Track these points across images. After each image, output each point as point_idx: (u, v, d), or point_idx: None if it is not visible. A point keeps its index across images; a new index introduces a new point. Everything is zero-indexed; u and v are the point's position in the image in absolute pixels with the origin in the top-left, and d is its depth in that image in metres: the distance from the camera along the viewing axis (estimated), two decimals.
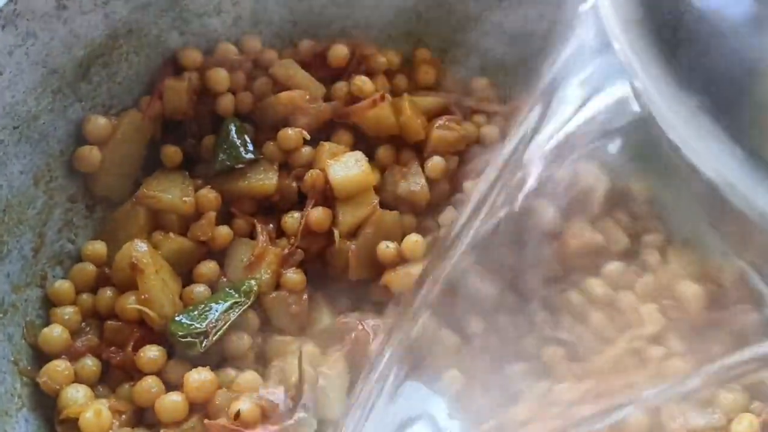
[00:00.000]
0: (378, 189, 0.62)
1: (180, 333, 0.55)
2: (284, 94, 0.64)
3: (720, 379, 0.36)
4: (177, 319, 0.56)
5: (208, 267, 0.60)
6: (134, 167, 0.63)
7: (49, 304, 0.58)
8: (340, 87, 0.66)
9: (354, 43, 0.68)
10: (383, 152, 0.65)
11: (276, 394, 0.53)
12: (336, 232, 0.60)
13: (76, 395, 0.53)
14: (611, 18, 0.32)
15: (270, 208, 0.63)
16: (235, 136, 0.63)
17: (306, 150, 0.63)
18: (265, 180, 0.62)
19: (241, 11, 0.67)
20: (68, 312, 0.57)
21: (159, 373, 0.55)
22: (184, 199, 0.61)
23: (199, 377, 0.53)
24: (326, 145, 0.63)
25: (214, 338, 0.56)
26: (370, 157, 0.63)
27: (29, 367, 0.55)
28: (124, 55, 0.63)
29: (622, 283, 0.58)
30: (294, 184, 0.62)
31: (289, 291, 0.59)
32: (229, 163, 0.62)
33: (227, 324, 0.56)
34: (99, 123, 0.61)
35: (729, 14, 0.31)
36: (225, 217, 0.62)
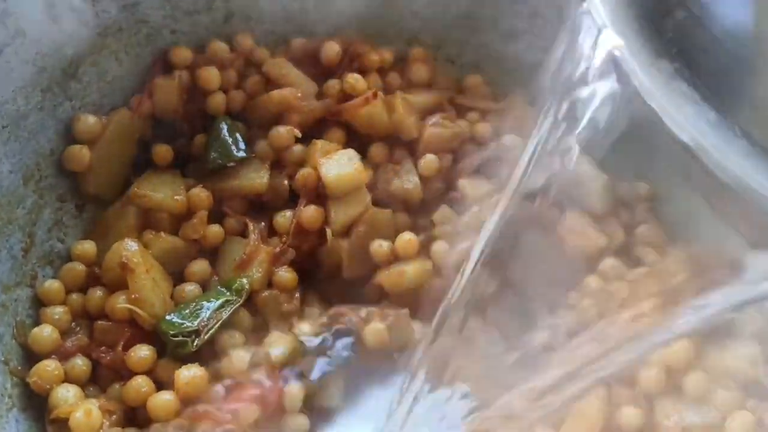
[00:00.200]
0: (371, 187, 0.62)
1: (171, 332, 0.55)
2: (276, 92, 0.64)
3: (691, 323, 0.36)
4: (168, 318, 0.56)
5: (200, 266, 0.60)
6: (124, 166, 0.63)
7: (39, 303, 0.58)
8: (333, 85, 0.65)
9: (346, 40, 0.67)
10: (376, 150, 0.64)
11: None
12: (328, 231, 0.60)
13: (67, 395, 0.53)
14: None
15: (262, 207, 0.63)
16: (226, 134, 0.63)
17: (298, 148, 0.63)
18: (257, 178, 0.62)
19: (233, 9, 0.67)
20: (58, 312, 0.57)
21: (149, 373, 0.55)
22: (175, 198, 0.61)
23: (189, 373, 0.53)
24: (318, 143, 0.62)
25: (205, 337, 0.55)
26: (363, 155, 0.63)
27: (19, 367, 0.55)
28: (114, 53, 0.62)
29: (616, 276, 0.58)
30: (286, 183, 0.62)
31: (281, 290, 0.59)
32: (220, 162, 0.62)
33: (219, 322, 0.56)
34: (89, 122, 0.61)
35: None
36: (216, 215, 0.62)
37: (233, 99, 0.64)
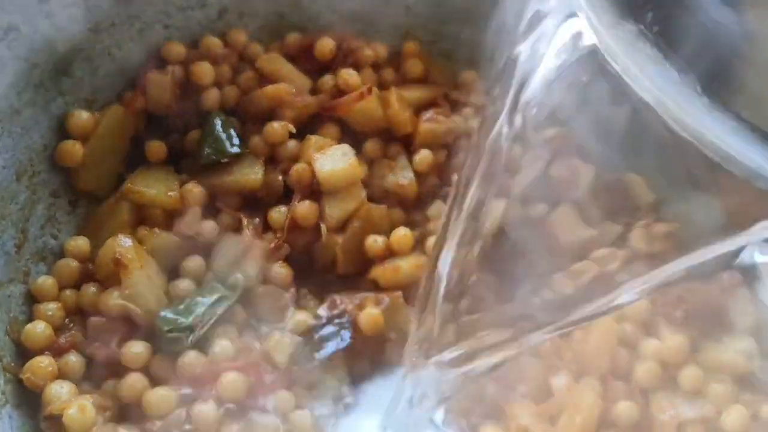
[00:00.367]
0: (365, 183, 0.62)
1: (166, 328, 0.55)
2: (270, 88, 0.63)
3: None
4: (163, 314, 0.55)
5: (194, 262, 0.59)
6: (118, 162, 0.62)
7: (32, 300, 0.58)
8: (327, 80, 0.65)
9: (341, 36, 0.67)
10: (370, 146, 0.64)
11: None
12: (323, 226, 0.60)
13: (60, 391, 0.53)
14: None
15: (256, 203, 0.62)
16: (220, 130, 0.63)
17: (292, 144, 0.63)
18: (251, 174, 0.62)
19: (226, 4, 0.66)
20: (51, 308, 0.57)
21: (144, 369, 0.55)
22: (169, 193, 0.60)
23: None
24: (313, 139, 0.62)
25: (200, 333, 0.55)
26: (358, 150, 0.62)
27: (13, 364, 0.55)
28: (106, 49, 0.62)
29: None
30: (280, 178, 0.62)
31: (276, 285, 0.59)
32: (214, 158, 0.62)
33: (214, 318, 0.56)
34: (82, 117, 0.60)
35: None
36: (211, 211, 0.62)
37: (227, 94, 0.64)
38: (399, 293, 0.58)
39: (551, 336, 0.43)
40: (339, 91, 0.65)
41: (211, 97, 0.64)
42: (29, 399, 0.54)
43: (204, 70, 0.63)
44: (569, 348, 0.56)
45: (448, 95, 0.68)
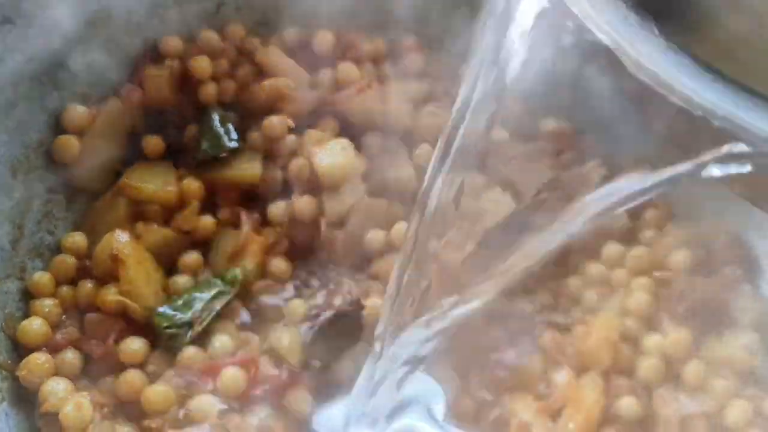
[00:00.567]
0: (365, 177, 0.61)
1: (164, 324, 0.55)
2: (269, 82, 0.63)
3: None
4: (161, 310, 0.55)
5: (192, 257, 0.59)
6: (114, 157, 0.62)
7: (28, 296, 0.57)
8: (326, 74, 0.65)
9: (340, 30, 0.67)
10: (370, 140, 0.64)
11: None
12: (322, 221, 0.59)
13: (57, 388, 0.53)
14: None
15: (255, 198, 0.62)
16: (218, 124, 0.62)
17: (291, 138, 0.62)
18: (250, 169, 0.61)
19: None
20: (48, 304, 0.56)
21: (142, 366, 0.55)
22: (166, 189, 0.60)
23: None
24: (312, 133, 0.62)
25: (199, 328, 0.55)
26: (357, 144, 0.62)
27: (9, 361, 0.54)
28: (103, 42, 0.62)
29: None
30: (279, 173, 0.62)
31: (275, 280, 0.58)
32: (212, 153, 0.61)
33: (212, 314, 0.56)
34: (78, 112, 0.60)
35: None
36: (209, 206, 0.61)
37: (225, 89, 0.64)
38: None
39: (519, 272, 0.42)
40: (338, 86, 0.64)
41: (209, 91, 0.63)
42: (26, 396, 0.54)
43: (202, 64, 0.63)
44: (570, 343, 0.56)
45: (448, 89, 0.68)
